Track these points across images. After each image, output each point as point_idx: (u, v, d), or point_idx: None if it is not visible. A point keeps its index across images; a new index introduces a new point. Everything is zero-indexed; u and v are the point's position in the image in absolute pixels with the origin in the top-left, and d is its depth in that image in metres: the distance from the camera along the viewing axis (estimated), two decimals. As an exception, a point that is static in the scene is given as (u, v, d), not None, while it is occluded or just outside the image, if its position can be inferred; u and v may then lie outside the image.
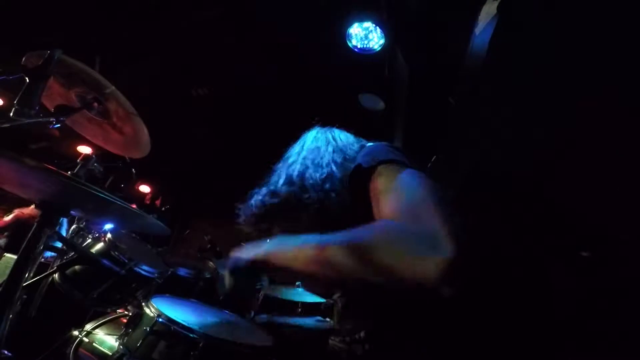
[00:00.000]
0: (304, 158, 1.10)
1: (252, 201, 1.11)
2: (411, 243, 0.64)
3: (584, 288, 0.90)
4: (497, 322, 0.82)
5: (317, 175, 1.02)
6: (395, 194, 0.79)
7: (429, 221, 0.65)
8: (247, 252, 0.96)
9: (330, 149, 1.11)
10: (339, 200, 0.96)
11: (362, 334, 0.97)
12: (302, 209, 0.99)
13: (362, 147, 1.10)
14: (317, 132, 1.21)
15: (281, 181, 1.07)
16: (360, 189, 0.89)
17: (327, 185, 0.99)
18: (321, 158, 1.08)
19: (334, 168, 1.03)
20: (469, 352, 0.82)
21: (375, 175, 0.88)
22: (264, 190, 1.11)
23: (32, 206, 2.32)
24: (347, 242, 0.71)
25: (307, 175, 1.04)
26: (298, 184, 1.02)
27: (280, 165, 1.16)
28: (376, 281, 0.69)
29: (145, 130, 1.51)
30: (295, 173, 1.06)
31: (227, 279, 1.00)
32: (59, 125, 1.27)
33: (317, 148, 1.13)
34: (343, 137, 1.17)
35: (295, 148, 1.19)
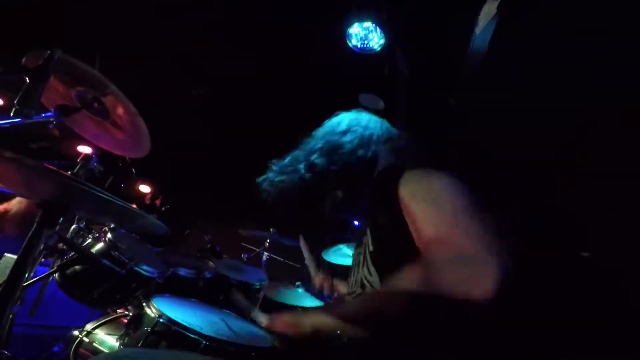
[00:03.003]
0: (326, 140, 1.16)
1: (285, 177, 1.16)
2: (463, 279, 0.68)
3: (585, 288, 0.89)
4: (511, 325, 0.82)
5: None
6: (430, 206, 0.80)
7: (474, 245, 0.69)
8: (296, 325, 0.94)
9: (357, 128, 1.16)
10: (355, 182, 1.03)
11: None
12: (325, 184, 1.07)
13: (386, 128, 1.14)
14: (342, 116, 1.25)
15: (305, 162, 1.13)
16: (385, 187, 0.90)
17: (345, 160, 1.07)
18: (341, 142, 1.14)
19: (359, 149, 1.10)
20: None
21: (405, 178, 0.89)
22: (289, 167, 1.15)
23: None
24: (407, 297, 0.74)
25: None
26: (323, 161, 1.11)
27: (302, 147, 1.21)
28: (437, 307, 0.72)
29: (146, 130, 1.50)
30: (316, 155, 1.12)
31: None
32: (59, 125, 1.27)
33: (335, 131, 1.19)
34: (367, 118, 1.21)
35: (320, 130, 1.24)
